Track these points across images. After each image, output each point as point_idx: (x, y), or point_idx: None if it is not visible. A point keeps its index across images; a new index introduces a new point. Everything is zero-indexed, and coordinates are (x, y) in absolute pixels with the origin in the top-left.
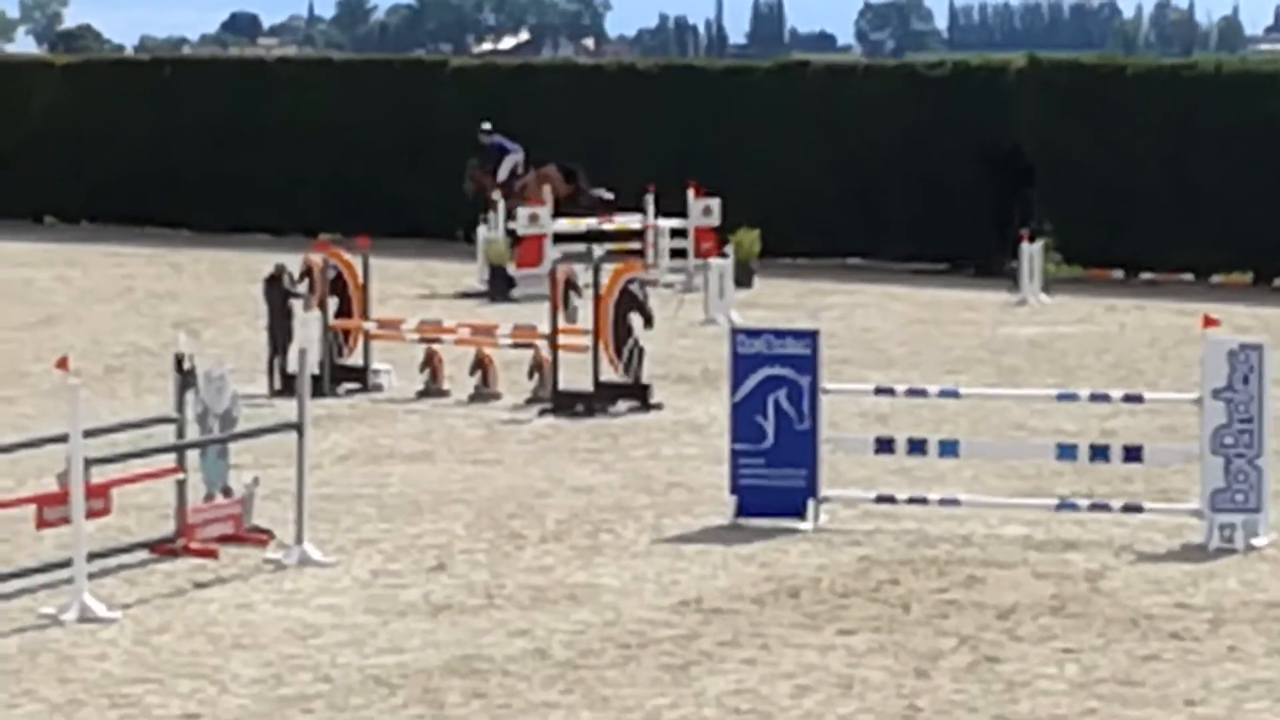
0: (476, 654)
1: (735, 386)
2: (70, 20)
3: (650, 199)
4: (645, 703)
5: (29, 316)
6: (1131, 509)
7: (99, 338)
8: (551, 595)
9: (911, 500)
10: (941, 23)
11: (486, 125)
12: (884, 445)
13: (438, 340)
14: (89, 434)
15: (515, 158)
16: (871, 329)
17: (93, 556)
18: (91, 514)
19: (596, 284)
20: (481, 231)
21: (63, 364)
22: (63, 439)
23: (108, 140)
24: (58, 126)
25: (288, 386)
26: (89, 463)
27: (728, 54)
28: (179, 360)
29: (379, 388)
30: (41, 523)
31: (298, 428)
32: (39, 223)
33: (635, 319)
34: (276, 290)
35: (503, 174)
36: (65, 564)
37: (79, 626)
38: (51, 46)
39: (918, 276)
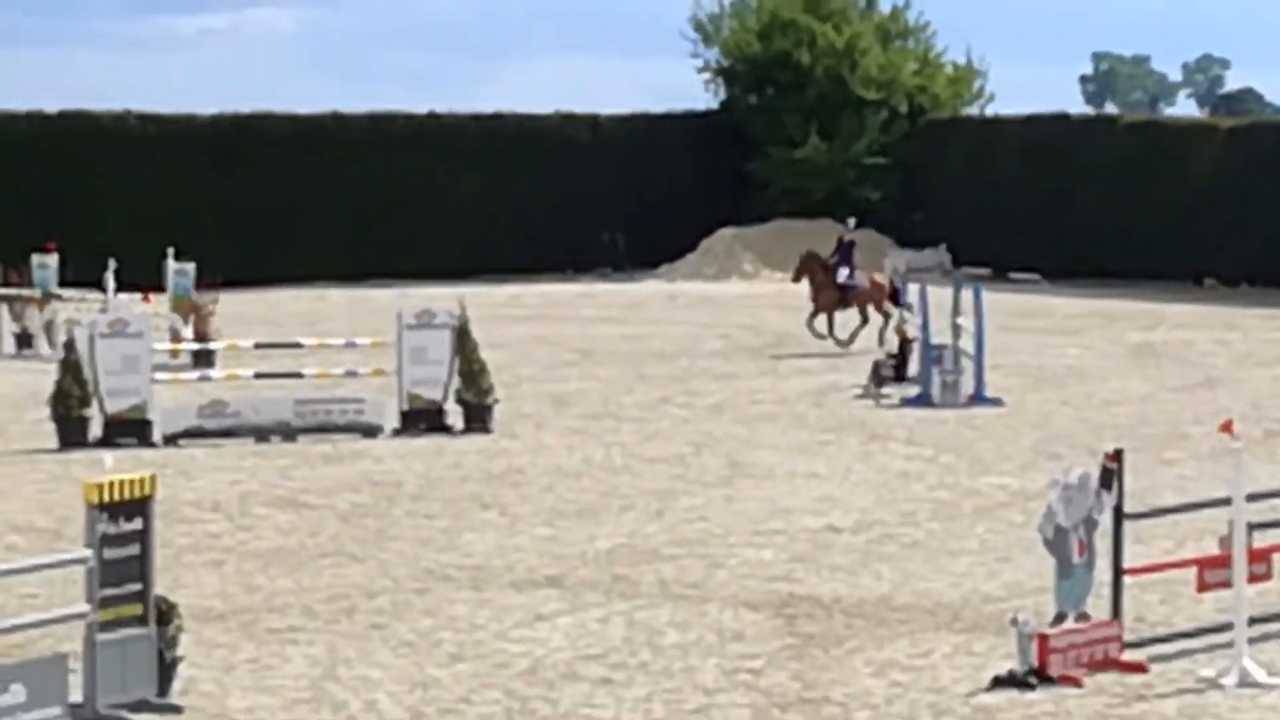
0: None
1: None
2: (1232, 83)
3: None
4: None
5: (1189, 379)
6: None
7: (1259, 401)
8: None
9: None
10: None
11: (852, 220)
12: None
13: None
14: (1251, 498)
15: (850, 268)
16: None
17: (1253, 621)
18: (1253, 578)
19: None
20: None
21: (1227, 427)
22: (1224, 502)
23: (1272, 203)
24: (1219, 189)
25: None
26: (1251, 527)
27: None
28: None
29: None
30: (1202, 585)
31: None
32: (1199, 285)
33: None
34: None
35: (841, 275)
36: (1225, 628)
37: (1238, 691)
38: (1213, 109)
39: None
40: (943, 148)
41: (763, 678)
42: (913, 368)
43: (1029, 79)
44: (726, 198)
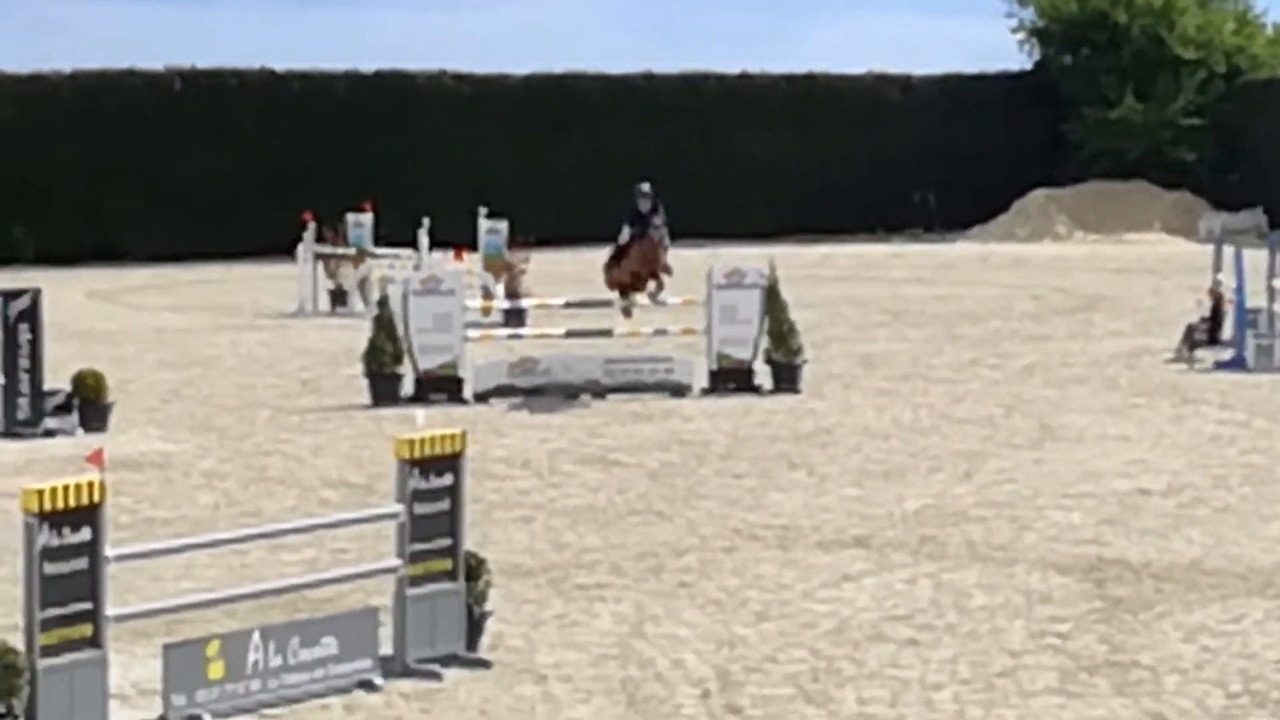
0: None
1: None
2: None
3: None
4: None
5: None
6: None
7: None
8: None
9: None
10: None
11: (645, 186)
12: None
13: None
14: None
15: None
16: None
17: None
18: None
19: None
20: None
21: None
22: None
23: None
24: None
25: None
26: None
27: None
28: None
29: None
30: None
31: None
32: None
33: None
34: None
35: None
36: None
37: None
38: None
39: None
40: (1261, 109)
41: (1070, 641)
42: (1227, 331)
43: None
44: (1040, 159)
